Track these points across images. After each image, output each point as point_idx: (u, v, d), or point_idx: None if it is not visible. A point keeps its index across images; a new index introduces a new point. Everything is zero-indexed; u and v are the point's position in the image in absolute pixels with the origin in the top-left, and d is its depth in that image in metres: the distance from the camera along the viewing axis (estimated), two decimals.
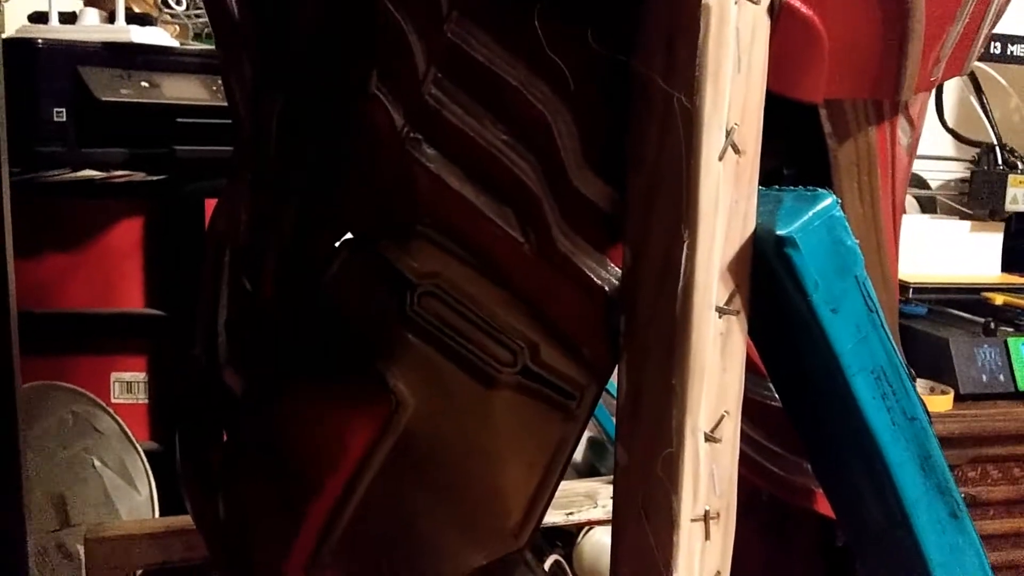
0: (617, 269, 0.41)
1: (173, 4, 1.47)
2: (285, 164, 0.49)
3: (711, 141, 0.35)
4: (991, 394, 1.67)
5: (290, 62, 0.45)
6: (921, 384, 1.68)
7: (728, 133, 0.35)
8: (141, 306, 1.50)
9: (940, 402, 1.62)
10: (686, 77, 0.34)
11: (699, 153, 0.35)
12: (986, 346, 1.69)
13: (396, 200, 0.40)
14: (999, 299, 1.85)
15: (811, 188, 0.39)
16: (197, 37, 1.66)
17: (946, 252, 1.95)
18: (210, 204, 1.47)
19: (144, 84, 1.44)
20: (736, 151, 0.36)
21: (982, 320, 1.74)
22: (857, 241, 0.42)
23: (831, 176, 0.44)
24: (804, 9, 0.36)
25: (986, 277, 1.89)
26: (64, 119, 1.38)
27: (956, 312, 1.82)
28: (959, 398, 1.65)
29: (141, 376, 1.47)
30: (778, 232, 0.35)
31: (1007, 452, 1.67)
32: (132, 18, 1.47)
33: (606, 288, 0.41)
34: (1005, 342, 1.70)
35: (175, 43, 1.50)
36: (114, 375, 1.48)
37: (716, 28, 0.33)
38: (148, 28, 1.44)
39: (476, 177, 0.38)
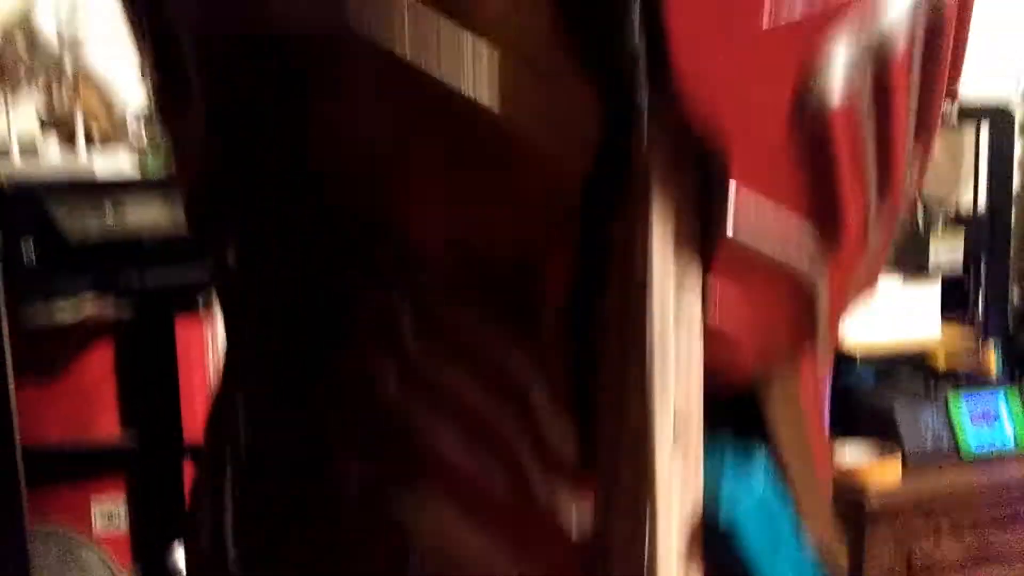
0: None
1: (132, 124, 1.51)
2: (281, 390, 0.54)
3: (662, 433, 0.42)
4: (936, 455, 1.75)
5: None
6: (869, 448, 1.75)
7: (675, 426, 0.42)
8: (117, 431, 1.53)
9: (889, 469, 1.70)
10: (639, 384, 0.40)
11: (651, 441, 0.41)
12: (929, 408, 1.77)
13: (392, 449, 0.46)
14: (942, 359, 1.93)
15: (746, 448, 0.46)
16: (153, 150, 1.70)
17: (887, 312, 2.02)
18: (180, 324, 1.52)
19: (110, 214, 1.48)
20: (681, 436, 0.43)
21: (924, 384, 1.82)
22: (788, 466, 0.49)
23: (764, 420, 0.51)
24: (726, 328, 0.42)
25: (927, 339, 1.96)
26: (32, 254, 1.42)
27: (901, 376, 1.89)
28: (905, 462, 1.72)
29: (121, 504, 1.50)
30: (720, 519, 0.42)
31: (957, 517, 1.72)
32: (92, 144, 1.51)
33: (578, 534, 0.46)
34: (946, 402, 1.78)
35: (135, 169, 1.54)
36: (95, 506, 1.50)
37: (660, 351, 0.40)
38: (110, 158, 1.49)
39: (463, 434, 0.44)
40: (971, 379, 1.87)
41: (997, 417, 1.80)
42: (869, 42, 0.32)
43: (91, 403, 1.50)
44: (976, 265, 2.07)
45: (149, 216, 1.52)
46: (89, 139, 1.53)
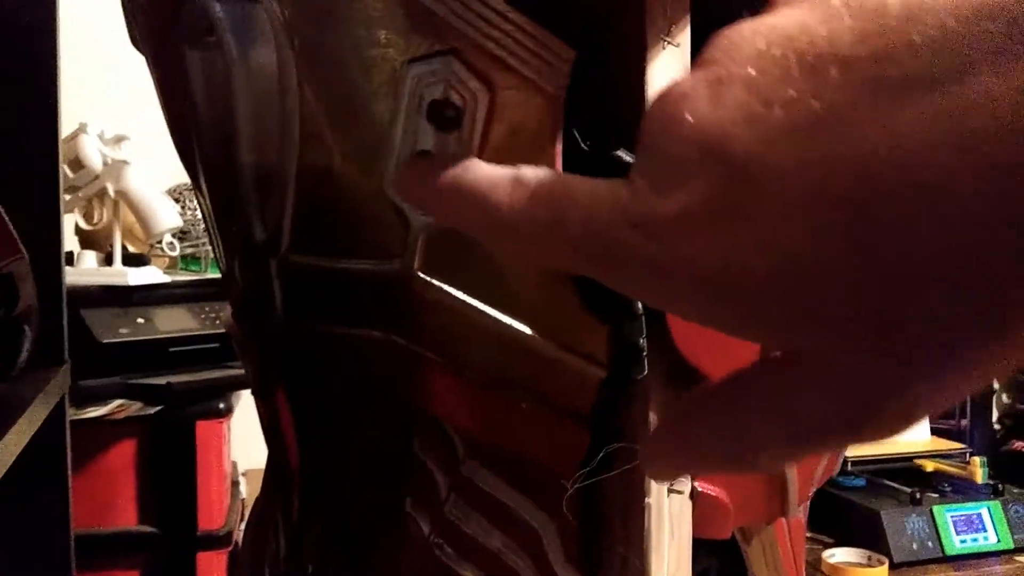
0: None
1: (165, 247, 1.61)
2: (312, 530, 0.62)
3: None
4: (922, 560, 1.82)
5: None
6: (858, 554, 1.82)
7: (667, 567, 0.50)
8: (135, 523, 1.60)
9: (876, 574, 1.77)
10: (638, 545, 0.49)
11: None
12: (914, 516, 1.84)
13: None
14: (930, 466, 2.01)
15: None
16: (184, 260, 1.81)
17: None
18: (200, 426, 1.59)
19: (140, 320, 1.57)
20: None
21: (911, 493, 1.89)
22: None
23: (746, 561, 0.59)
24: (713, 492, 0.51)
25: (916, 444, 2.04)
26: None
27: (889, 483, 1.97)
28: (893, 566, 1.79)
29: None
30: None
31: None
32: (127, 258, 1.61)
33: None
34: (931, 511, 1.86)
35: (166, 278, 1.64)
36: None
37: (656, 515, 0.48)
38: (143, 269, 1.58)
39: (486, 571, 0.52)
40: (957, 489, 1.95)
41: (982, 527, 1.87)
42: None
43: (111, 495, 1.57)
44: None
45: (177, 322, 1.61)
46: (125, 254, 1.63)
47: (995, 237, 0.19)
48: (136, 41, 0.59)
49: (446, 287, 0.43)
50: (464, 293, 0.44)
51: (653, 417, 0.43)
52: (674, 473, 0.34)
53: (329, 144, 0.45)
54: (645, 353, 0.41)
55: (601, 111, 0.44)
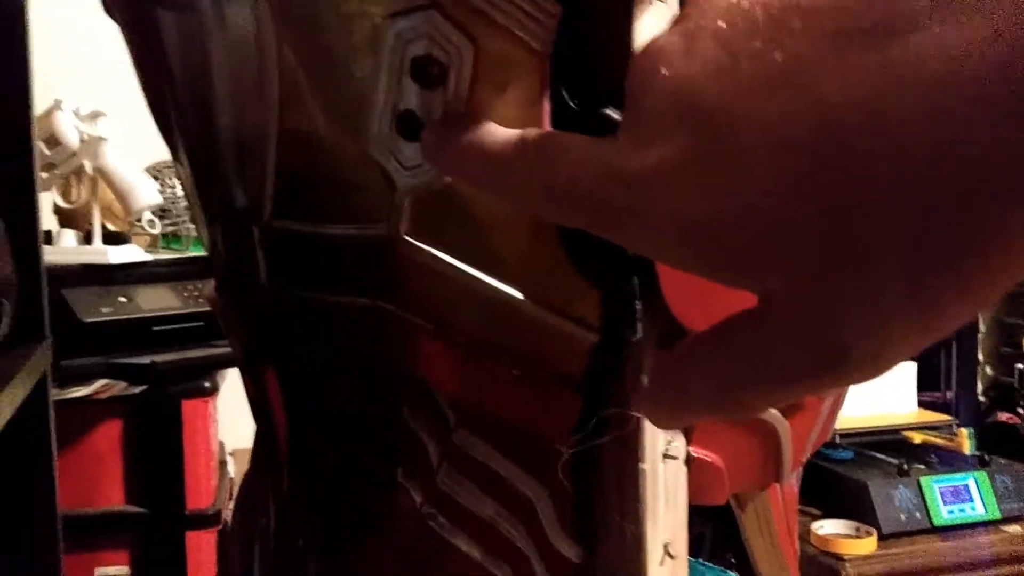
0: None
1: (145, 225, 1.59)
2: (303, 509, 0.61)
3: (653, 553, 0.49)
4: (910, 531, 1.83)
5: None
6: (846, 525, 1.83)
7: (665, 546, 0.50)
8: (122, 503, 1.59)
9: (864, 545, 1.77)
10: (633, 512, 0.48)
11: (644, 562, 0.49)
12: (902, 487, 1.85)
13: (415, 550, 0.53)
14: (917, 438, 2.02)
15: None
16: (164, 238, 1.79)
17: (865, 390, 2.11)
18: (186, 405, 1.58)
19: (122, 299, 1.55)
20: (671, 556, 0.50)
21: (899, 465, 1.90)
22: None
23: (740, 527, 0.59)
24: (708, 457, 0.50)
25: (904, 416, 2.05)
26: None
27: (877, 455, 1.98)
28: (882, 537, 1.80)
29: (124, 571, 1.55)
30: None
31: None
32: (107, 237, 1.59)
33: None
34: (918, 482, 1.86)
35: (148, 256, 1.63)
36: (98, 570, 1.55)
37: (651, 481, 0.48)
38: (123, 247, 1.56)
39: (480, 541, 0.51)
40: (944, 460, 1.96)
41: (969, 498, 1.87)
42: None
43: (98, 476, 1.56)
44: (947, 348, 2.17)
45: (160, 301, 1.59)
46: (105, 233, 1.61)
47: (950, 178, 0.21)
48: (109, 8, 0.58)
49: (434, 251, 0.42)
50: (452, 257, 0.43)
51: (646, 381, 0.42)
52: (667, 419, 0.34)
53: (309, 105, 0.44)
54: (639, 316, 0.40)
55: (589, 68, 0.43)
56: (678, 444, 0.49)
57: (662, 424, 0.41)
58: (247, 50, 0.45)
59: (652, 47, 0.25)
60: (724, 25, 0.23)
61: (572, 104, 0.42)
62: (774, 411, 0.47)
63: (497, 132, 0.32)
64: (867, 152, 0.21)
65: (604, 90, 0.42)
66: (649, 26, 0.43)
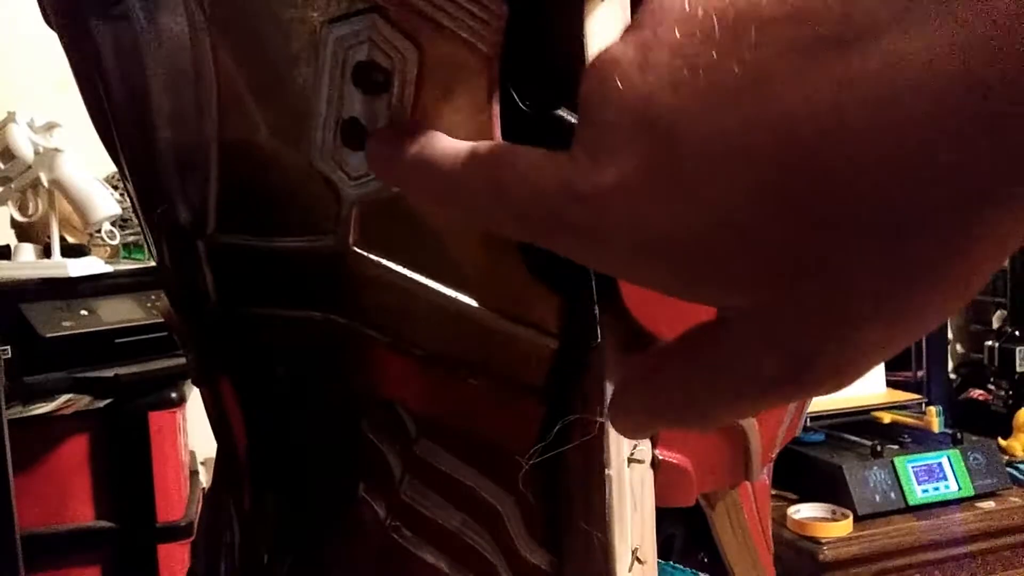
0: None
1: (105, 236, 1.57)
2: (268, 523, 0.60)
3: (622, 559, 0.48)
4: (885, 512, 1.84)
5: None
6: (822, 508, 1.83)
7: (633, 552, 0.49)
8: (92, 519, 1.56)
9: (840, 527, 1.78)
10: (600, 518, 0.47)
11: (612, 568, 0.48)
12: (876, 468, 1.86)
13: (380, 565, 0.52)
14: (887, 418, 2.03)
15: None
16: (126, 248, 1.76)
17: None
18: (153, 416, 1.56)
19: (83, 312, 1.52)
20: (640, 561, 0.49)
21: (871, 446, 1.91)
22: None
23: (711, 527, 0.58)
24: (675, 460, 0.50)
25: (873, 396, 2.06)
26: (9, 355, 1.46)
27: (849, 436, 1.99)
28: (857, 519, 1.81)
29: None
30: None
31: (905, 563, 1.83)
32: (66, 249, 1.57)
33: None
34: (892, 462, 1.87)
35: (108, 267, 1.60)
36: None
37: (617, 487, 0.47)
38: (83, 259, 1.54)
39: (446, 552, 0.50)
40: (916, 439, 1.97)
41: (943, 475, 1.89)
42: None
43: (66, 492, 1.53)
44: None
45: (122, 313, 1.57)
46: (64, 245, 1.58)
47: (913, 190, 0.20)
48: (47, 17, 0.56)
49: (384, 261, 0.41)
50: (404, 267, 0.42)
51: (609, 386, 0.41)
52: (633, 431, 0.33)
53: (250, 115, 0.42)
54: (598, 321, 0.39)
55: (539, 68, 0.42)
56: (644, 448, 0.48)
57: (628, 435, 0.41)
58: (183, 58, 0.43)
59: (606, 58, 0.24)
60: (679, 35, 0.22)
61: (523, 106, 0.41)
62: None
63: (446, 144, 0.31)
64: (829, 164, 0.21)
65: (555, 90, 0.41)
66: (601, 25, 0.42)
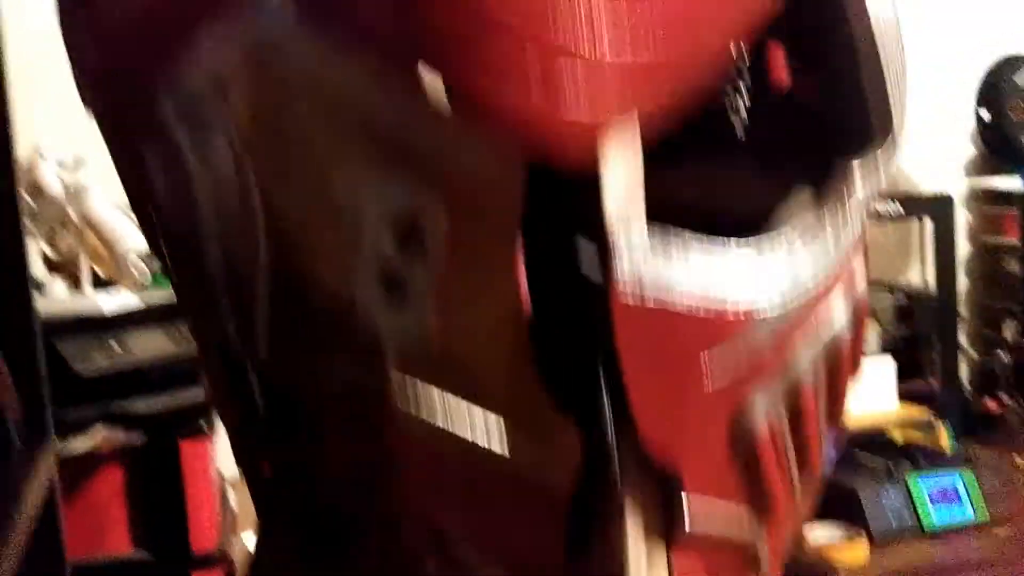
0: None
1: (133, 268, 1.60)
2: None
3: None
4: (900, 532, 1.85)
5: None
6: (836, 529, 1.84)
7: None
8: (128, 549, 1.60)
9: (857, 549, 1.79)
10: None
11: None
12: (890, 489, 1.87)
13: None
14: (900, 436, 2.03)
15: None
16: (155, 277, 1.79)
17: None
18: (185, 446, 1.60)
19: (114, 345, 1.56)
20: None
21: (885, 465, 1.92)
22: None
23: None
24: None
25: (885, 413, 2.06)
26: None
27: (863, 454, 1.99)
28: (872, 539, 1.81)
29: None
30: None
31: None
32: (96, 282, 1.60)
33: None
34: (906, 483, 1.88)
35: (139, 301, 1.63)
36: None
37: None
38: (115, 295, 1.58)
39: None
40: (928, 458, 1.98)
41: (957, 496, 1.90)
42: (783, 385, 0.45)
43: (103, 523, 1.57)
44: (927, 340, 2.20)
45: (152, 345, 1.61)
46: (94, 279, 1.62)
47: None
48: (85, 98, 0.56)
49: (420, 409, 0.44)
50: (441, 389, 0.45)
51: (630, 502, 0.43)
52: None
53: (297, 249, 0.46)
54: (615, 450, 0.42)
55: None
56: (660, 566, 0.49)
57: None
58: (230, 189, 0.47)
59: None
60: None
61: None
62: (750, 528, 0.49)
63: None
64: None
65: (572, 217, 0.43)
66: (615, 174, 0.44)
